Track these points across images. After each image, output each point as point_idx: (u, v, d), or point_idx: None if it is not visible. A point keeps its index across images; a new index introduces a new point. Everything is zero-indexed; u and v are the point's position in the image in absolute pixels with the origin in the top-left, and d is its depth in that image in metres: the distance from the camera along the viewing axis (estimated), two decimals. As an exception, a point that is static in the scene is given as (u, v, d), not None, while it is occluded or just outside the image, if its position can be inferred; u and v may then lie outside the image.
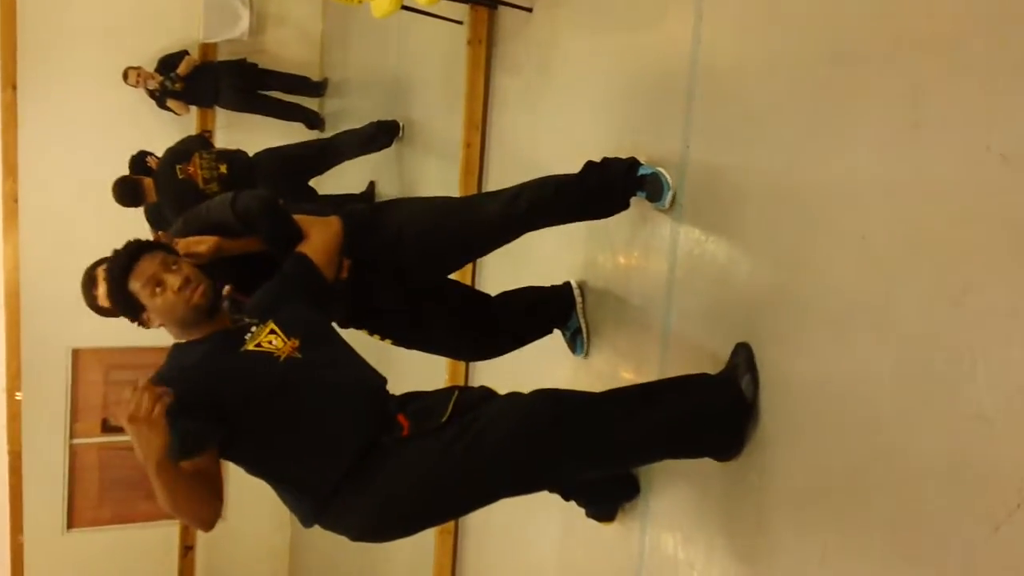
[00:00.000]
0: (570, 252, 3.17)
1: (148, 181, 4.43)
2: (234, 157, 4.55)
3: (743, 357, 2.17)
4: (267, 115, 6.64)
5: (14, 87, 6.22)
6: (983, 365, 1.56)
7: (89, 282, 2.51)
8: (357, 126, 5.27)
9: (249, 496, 2.04)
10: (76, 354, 6.70)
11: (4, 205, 6.26)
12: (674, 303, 2.55)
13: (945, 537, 1.60)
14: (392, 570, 5.09)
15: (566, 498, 2.73)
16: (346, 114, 6.41)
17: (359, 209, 2.71)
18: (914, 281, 1.71)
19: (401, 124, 5.15)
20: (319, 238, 2.44)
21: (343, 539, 2.07)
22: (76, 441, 6.82)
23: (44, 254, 6.29)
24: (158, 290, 2.11)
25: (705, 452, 2.20)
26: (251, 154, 4.74)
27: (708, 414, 2.14)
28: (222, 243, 2.38)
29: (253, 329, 2.13)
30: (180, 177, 4.24)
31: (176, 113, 6.49)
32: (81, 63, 6.48)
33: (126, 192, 4.45)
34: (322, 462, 2.01)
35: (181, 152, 4.37)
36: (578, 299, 3.03)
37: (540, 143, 3.53)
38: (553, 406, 2.07)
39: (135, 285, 2.11)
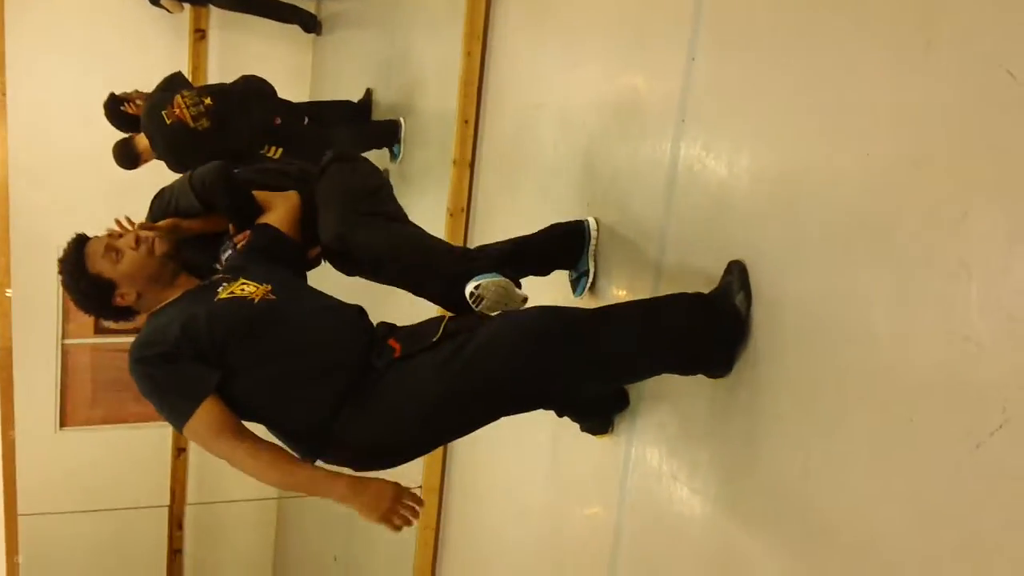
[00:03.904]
0: (566, 178, 3.13)
1: (141, 138, 4.33)
2: (217, 88, 4.45)
3: (736, 274, 2.17)
4: (261, 15, 6.48)
5: (1, -23, 6.04)
6: (977, 289, 1.56)
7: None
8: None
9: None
10: (67, 256, 6.67)
11: (-9, 98, 6.15)
12: (672, 221, 2.54)
13: (928, 452, 1.63)
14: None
15: (559, 414, 2.76)
16: (344, 18, 6.26)
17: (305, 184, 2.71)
18: (916, 201, 1.70)
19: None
20: (280, 210, 2.49)
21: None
22: (68, 341, 6.86)
23: (34, 152, 6.19)
24: (116, 256, 2.16)
25: (698, 368, 2.23)
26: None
27: (702, 331, 2.15)
28: (179, 223, 2.44)
29: (225, 283, 2.16)
30: (169, 123, 4.12)
31: (169, 11, 6.33)
32: (71, -44, 6.30)
33: (121, 155, 4.39)
34: (314, 391, 2.02)
35: (162, 99, 4.24)
36: (593, 239, 2.85)
37: (544, 54, 3.47)
38: (552, 321, 2.08)
39: (94, 266, 2.16)
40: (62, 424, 7.03)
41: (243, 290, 2.12)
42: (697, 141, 2.42)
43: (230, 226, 2.53)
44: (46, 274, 6.68)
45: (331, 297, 2.30)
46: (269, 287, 2.14)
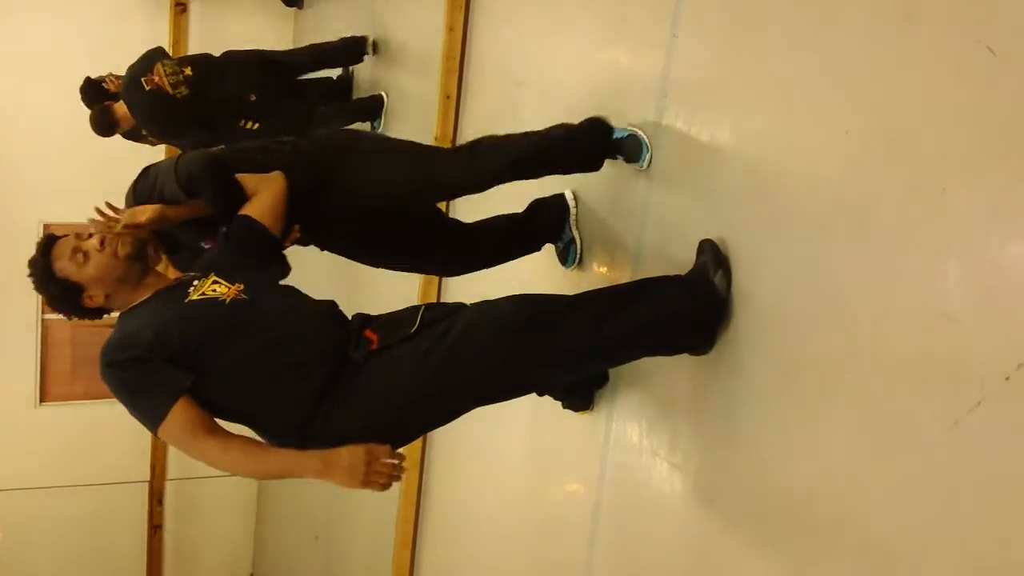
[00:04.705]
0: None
1: (120, 106, 4.30)
2: (197, 58, 4.43)
3: (709, 253, 2.17)
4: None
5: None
6: (956, 264, 1.57)
7: None
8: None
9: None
10: (47, 229, 6.60)
11: (-30, 72, 6.05)
12: (652, 199, 2.53)
13: (907, 430, 1.64)
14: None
15: (540, 393, 2.76)
16: (326, -8, 6.20)
17: (307, 161, 2.62)
18: (895, 178, 1.70)
19: (370, 39, 4.95)
20: (264, 197, 2.42)
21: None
22: (48, 316, 6.78)
23: (12, 125, 6.11)
24: (81, 258, 2.13)
25: (681, 349, 2.23)
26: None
27: (682, 312, 2.15)
28: (165, 210, 2.38)
29: (196, 283, 2.13)
30: (148, 89, 4.10)
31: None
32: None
33: (99, 122, 4.35)
34: (292, 388, 2.00)
35: (141, 67, 4.21)
36: (572, 209, 2.89)
37: (527, 29, 3.44)
38: (529, 310, 2.08)
39: (61, 269, 2.14)
40: (42, 399, 6.97)
41: (214, 290, 2.10)
42: (678, 118, 2.41)
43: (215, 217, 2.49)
44: (26, 247, 6.62)
45: (303, 293, 2.27)
46: (241, 286, 2.11)
